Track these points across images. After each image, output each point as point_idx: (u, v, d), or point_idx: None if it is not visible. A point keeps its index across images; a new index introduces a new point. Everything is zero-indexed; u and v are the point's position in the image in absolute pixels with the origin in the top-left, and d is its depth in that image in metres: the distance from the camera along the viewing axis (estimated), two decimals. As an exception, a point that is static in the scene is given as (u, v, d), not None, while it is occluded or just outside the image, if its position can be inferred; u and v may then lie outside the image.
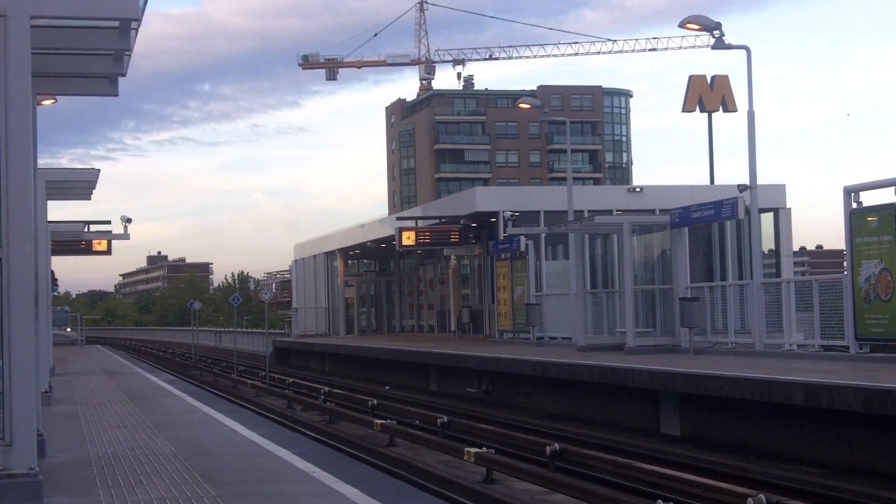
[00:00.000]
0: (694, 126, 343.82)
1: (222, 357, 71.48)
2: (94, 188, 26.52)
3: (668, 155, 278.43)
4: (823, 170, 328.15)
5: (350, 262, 70.80)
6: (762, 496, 13.92)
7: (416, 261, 64.14)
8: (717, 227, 42.90)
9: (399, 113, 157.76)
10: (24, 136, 10.77)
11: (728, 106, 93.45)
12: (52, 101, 19.62)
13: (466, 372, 36.21)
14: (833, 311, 25.14)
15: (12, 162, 10.68)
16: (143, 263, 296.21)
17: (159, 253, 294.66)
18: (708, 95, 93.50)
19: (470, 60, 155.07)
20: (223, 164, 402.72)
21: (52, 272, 36.99)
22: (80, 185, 26.37)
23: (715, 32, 29.91)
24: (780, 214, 46.90)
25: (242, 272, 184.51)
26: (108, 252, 43.57)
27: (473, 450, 19.42)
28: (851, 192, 23.84)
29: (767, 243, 45.71)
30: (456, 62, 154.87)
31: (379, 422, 25.38)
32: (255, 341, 77.08)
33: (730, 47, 30.10)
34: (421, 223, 51.21)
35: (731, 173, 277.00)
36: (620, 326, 33.62)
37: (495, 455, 19.14)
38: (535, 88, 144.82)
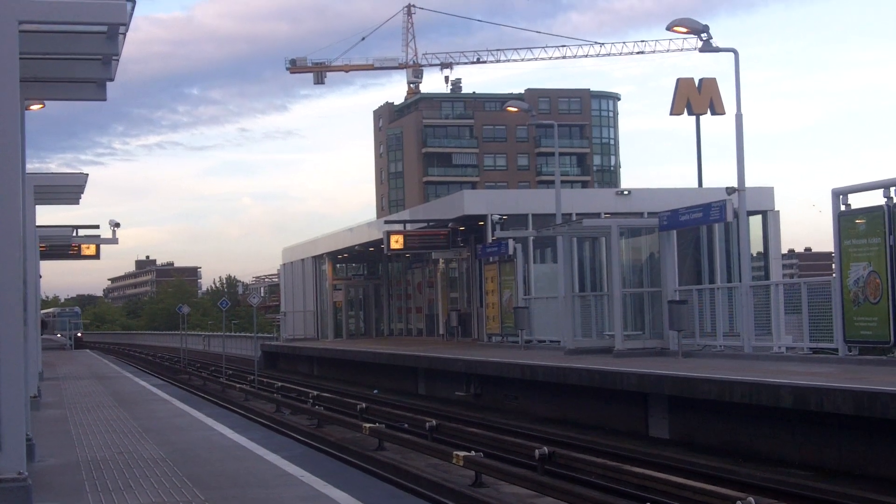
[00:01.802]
0: (682, 129, 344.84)
1: (211, 361, 71.35)
2: (83, 192, 26.50)
3: (657, 158, 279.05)
4: (812, 172, 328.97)
5: (338, 265, 70.74)
6: (751, 499, 13.94)
7: (404, 264, 64.11)
8: (706, 229, 42.96)
9: (387, 116, 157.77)
10: (11, 141, 10.75)
11: (716, 108, 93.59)
12: (41, 105, 19.59)
13: (455, 375, 36.21)
14: (822, 314, 25.16)
15: (0, 167, 10.66)
16: (132, 268, 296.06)
17: (147, 257, 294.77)
18: (696, 98, 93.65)
19: (458, 64, 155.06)
20: (212, 168, 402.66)
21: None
22: (69, 189, 26.35)
23: (702, 35, 29.97)
24: (769, 217, 46.95)
25: (231, 276, 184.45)
26: (97, 256, 43.57)
27: (462, 453, 19.42)
28: (840, 195, 23.89)
29: (756, 246, 45.78)
30: (444, 66, 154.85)
31: (368, 425, 25.37)
32: (244, 345, 77.06)
33: (717, 50, 30.16)
34: (409, 227, 51.21)
35: (720, 176, 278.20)
36: (609, 329, 33.64)
37: (484, 458, 19.14)
38: (522, 92, 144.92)
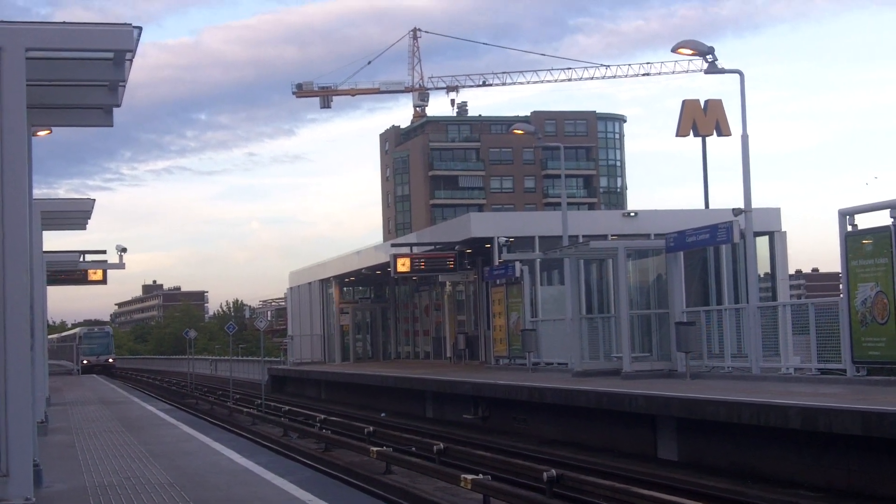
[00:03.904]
0: (688, 150, 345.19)
1: (218, 385, 71.33)
2: (89, 218, 26.55)
3: (663, 179, 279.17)
4: (818, 192, 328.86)
5: (345, 289, 70.75)
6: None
7: (411, 287, 64.12)
8: (713, 250, 42.92)
9: (393, 140, 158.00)
10: (19, 168, 10.79)
11: (722, 130, 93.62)
12: (48, 131, 19.64)
13: (463, 398, 36.16)
14: (829, 335, 25.13)
15: (7, 193, 10.69)
16: (139, 292, 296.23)
17: (154, 282, 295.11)
18: (702, 119, 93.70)
19: (464, 87, 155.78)
20: (219, 193, 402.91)
21: None
22: (75, 215, 26.40)
23: (708, 57, 29.96)
24: (776, 238, 46.92)
25: (238, 300, 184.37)
26: (104, 281, 43.66)
27: (470, 476, 19.37)
28: (846, 215, 23.87)
29: (763, 267, 45.72)
30: (450, 89, 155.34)
31: (375, 449, 25.32)
32: (251, 369, 76.92)
33: (723, 71, 30.15)
34: (416, 250, 51.23)
35: (726, 197, 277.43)
36: (616, 351, 33.61)
37: (492, 482, 19.09)
38: (529, 114, 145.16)
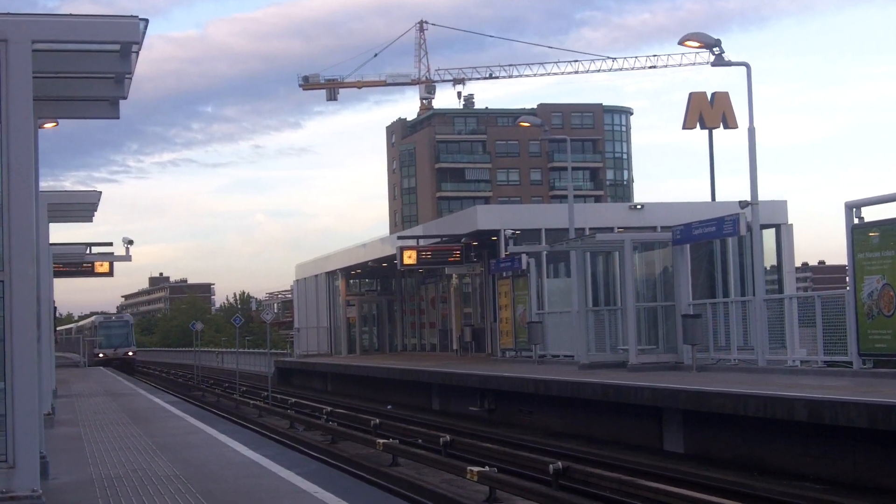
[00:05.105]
0: (695, 143, 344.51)
1: (225, 378, 71.42)
2: (96, 210, 26.51)
3: (669, 172, 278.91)
4: (825, 185, 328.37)
5: (351, 281, 70.79)
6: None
7: (417, 280, 64.16)
8: (719, 243, 42.83)
9: (400, 132, 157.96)
10: (25, 160, 10.78)
11: (729, 122, 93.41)
12: (54, 124, 19.64)
13: (469, 390, 36.18)
14: (836, 327, 25.11)
15: (14, 185, 10.69)
16: (145, 285, 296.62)
17: (161, 274, 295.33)
18: (708, 112, 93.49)
19: (470, 80, 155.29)
20: (225, 186, 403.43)
21: None
22: (82, 207, 26.35)
23: (715, 49, 29.96)
24: (782, 230, 46.86)
25: (244, 292, 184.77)
26: (111, 274, 43.68)
27: (476, 468, 19.39)
28: (853, 208, 23.85)
29: (769, 259, 45.67)
30: (456, 81, 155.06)
31: (382, 441, 25.34)
32: (258, 362, 77.06)
33: (729, 64, 30.14)
34: (422, 242, 51.23)
35: (733, 190, 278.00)
36: (623, 344, 33.60)
37: (498, 474, 19.11)
38: (535, 107, 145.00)
